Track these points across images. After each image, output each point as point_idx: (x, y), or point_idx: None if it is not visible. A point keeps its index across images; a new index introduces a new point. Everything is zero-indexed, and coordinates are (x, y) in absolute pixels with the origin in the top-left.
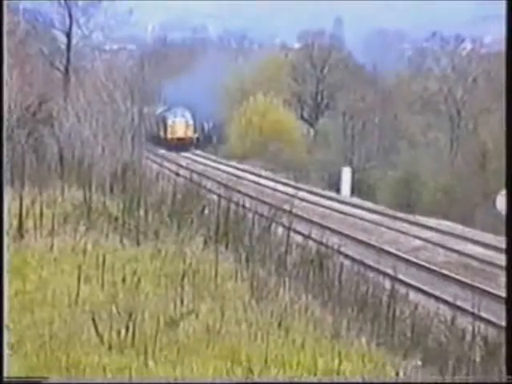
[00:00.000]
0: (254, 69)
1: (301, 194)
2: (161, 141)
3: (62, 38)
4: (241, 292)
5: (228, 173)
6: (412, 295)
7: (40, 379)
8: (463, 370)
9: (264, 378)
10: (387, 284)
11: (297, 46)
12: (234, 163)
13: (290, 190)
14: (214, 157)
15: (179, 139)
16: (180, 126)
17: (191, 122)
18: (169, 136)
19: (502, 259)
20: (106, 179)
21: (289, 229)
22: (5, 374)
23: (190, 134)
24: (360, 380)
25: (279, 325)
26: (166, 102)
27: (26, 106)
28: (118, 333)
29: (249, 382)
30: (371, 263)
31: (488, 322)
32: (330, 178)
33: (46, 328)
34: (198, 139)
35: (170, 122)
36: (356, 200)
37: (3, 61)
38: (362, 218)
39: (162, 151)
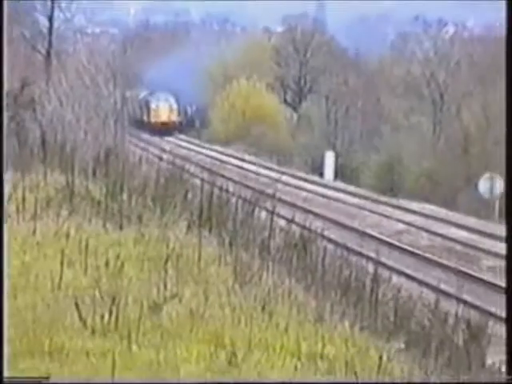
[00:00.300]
0: (237, 52)
1: (284, 178)
2: (144, 125)
3: (44, 22)
4: (224, 276)
5: (211, 157)
6: (395, 279)
7: (39, 379)
8: (446, 353)
9: (248, 362)
10: (370, 268)
11: (280, 29)
12: (217, 147)
13: (274, 174)
14: (197, 141)
15: (163, 123)
16: (164, 110)
17: (175, 106)
18: (152, 120)
19: (484, 243)
20: (89, 163)
21: (272, 213)
22: (5, 374)
23: (173, 118)
24: (358, 380)
25: (263, 309)
26: (149, 86)
27: (8, 91)
28: (102, 317)
29: (248, 382)
30: (354, 247)
31: (471, 305)
32: (314, 162)
33: (29, 313)
34: (180, 123)
35: (153, 106)
36: (339, 184)
37: (3, 61)
38: (345, 202)
39: (145, 135)
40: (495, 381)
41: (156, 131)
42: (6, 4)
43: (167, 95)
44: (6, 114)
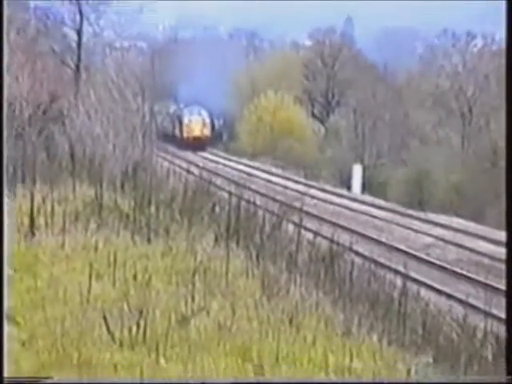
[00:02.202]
0: (265, 66)
1: (311, 191)
2: (176, 139)
3: (73, 36)
4: (252, 289)
5: (238, 170)
6: (423, 292)
7: (39, 379)
8: (474, 367)
9: (275, 376)
10: (398, 281)
11: (308, 43)
12: (244, 160)
13: (301, 188)
14: (224, 154)
15: (195, 138)
16: (196, 124)
17: (208, 120)
18: (185, 135)
19: None
20: (117, 177)
21: (299, 226)
22: (5, 374)
23: (206, 132)
24: (358, 380)
25: (290, 322)
26: (177, 100)
27: (37, 104)
28: (130, 330)
29: (249, 382)
30: (382, 260)
31: (499, 319)
32: (341, 176)
33: (58, 325)
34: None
35: (186, 120)
36: (367, 197)
37: (3, 61)
38: (372, 216)
39: (173, 149)
40: (495, 381)
41: (189, 146)
42: (5, 4)
43: (200, 109)
44: (34, 128)
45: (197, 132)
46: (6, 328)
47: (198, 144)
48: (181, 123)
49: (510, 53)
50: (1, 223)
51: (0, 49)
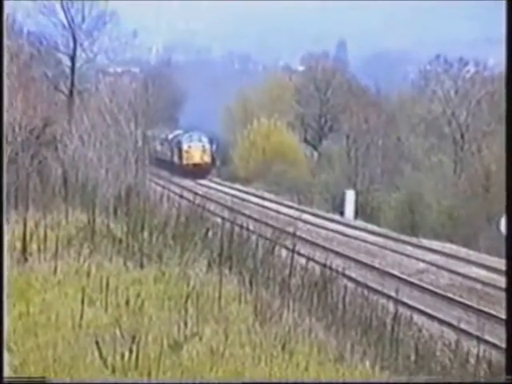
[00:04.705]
0: (258, 91)
1: (304, 216)
2: (175, 167)
3: (67, 61)
4: (245, 314)
5: (231, 195)
6: (416, 318)
7: (39, 379)
8: None
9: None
10: (391, 307)
11: (300, 68)
12: (237, 185)
13: (294, 213)
14: (217, 179)
15: (195, 165)
16: (196, 150)
17: (208, 146)
18: (184, 162)
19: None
20: (110, 202)
21: (292, 251)
22: (5, 374)
23: (206, 159)
24: (358, 380)
25: (283, 348)
26: (171, 125)
27: (30, 129)
28: (122, 356)
29: (248, 382)
30: (375, 286)
31: (492, 345)
32: (334, 201)
33: (50, 351)
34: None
35: (185, 146)
36: (360, 223)
37: (3, 63)
38: (365, 241)
39: (169, 175)
40: (495, 381)
41: (188, 173)
42: (5, 4)
43: (200, 135)
44: (27, 153)
45: (196, 159)
46: (6, 329)
47: (198, 171)
48: (180, 150)
49: (510, 54)
50: (1, 225)
51: (0, 49)
